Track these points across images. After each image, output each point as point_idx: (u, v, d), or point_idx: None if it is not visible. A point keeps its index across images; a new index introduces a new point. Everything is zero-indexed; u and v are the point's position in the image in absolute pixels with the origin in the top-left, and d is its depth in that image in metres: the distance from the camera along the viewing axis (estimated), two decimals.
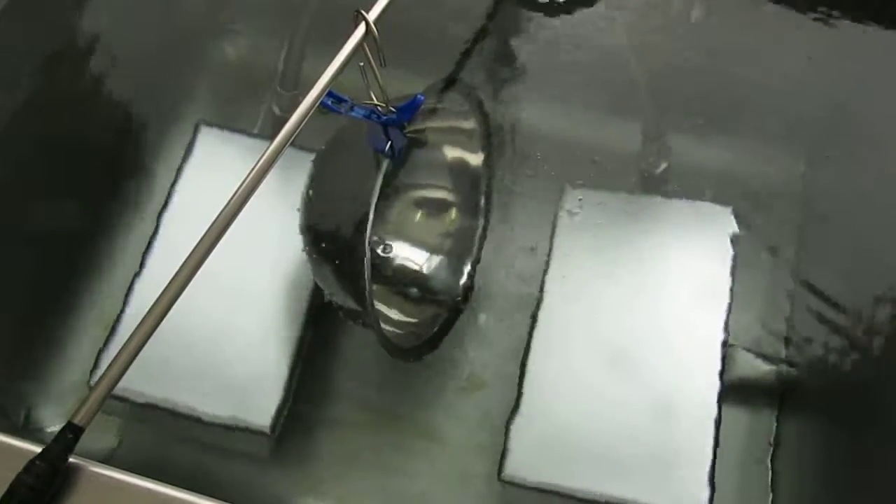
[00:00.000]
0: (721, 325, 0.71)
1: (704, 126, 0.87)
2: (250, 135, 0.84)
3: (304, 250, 0.68)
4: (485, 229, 0.80)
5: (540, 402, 0.69)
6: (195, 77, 0.94)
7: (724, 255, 0.74)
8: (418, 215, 0.80)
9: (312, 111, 0.53)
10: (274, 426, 0.70)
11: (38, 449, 0.43)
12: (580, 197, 0.78)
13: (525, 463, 0.67)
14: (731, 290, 0.73)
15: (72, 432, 0.44)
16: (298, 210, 0.68)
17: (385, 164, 0.62)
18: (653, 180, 0.84)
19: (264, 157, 0.51)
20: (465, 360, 0.79)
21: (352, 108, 0.61)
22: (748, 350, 0.77)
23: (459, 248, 0.79)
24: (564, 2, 0.87)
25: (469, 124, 0.77)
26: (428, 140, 0.77)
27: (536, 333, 0.72)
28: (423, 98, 0.61)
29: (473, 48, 0.86)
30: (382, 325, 0.67)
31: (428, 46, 0.87)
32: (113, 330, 0.72)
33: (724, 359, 0.70)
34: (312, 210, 0.68)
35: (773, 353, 0.78)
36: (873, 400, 0.67)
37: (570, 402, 0.69)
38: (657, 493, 0.66)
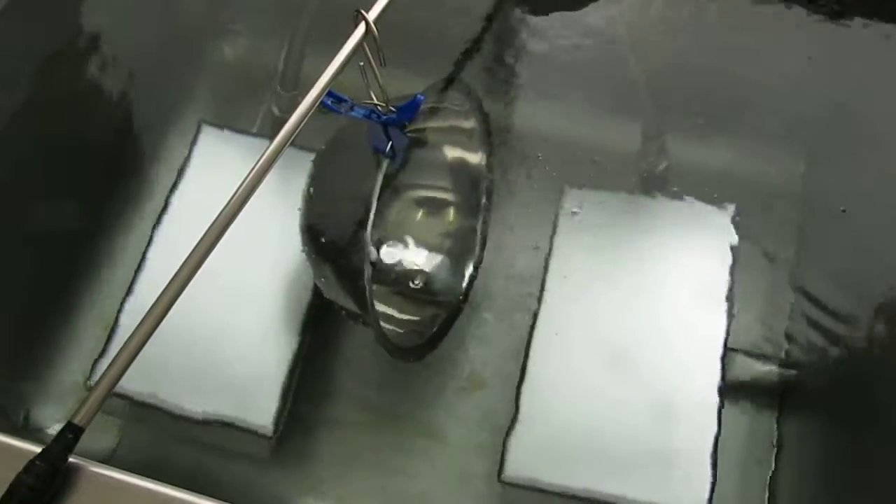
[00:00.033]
0: (721, 325, 0.71)
1: (704, 126, 0.87)
2: (251, 135, 0.84)
3: (303, 250, 0.68)
4: (485, 229, 0.80)
5: (540, 402, 0.69)
6: (195, 77, 0.94)
7: (724, 255, 0.74)
8: (418, 215, 0.80)
9: (312, 111, 0.53)
10: (274, 426, 0.70)
11: (38, 449, 0.43)
12: (580, 197, 0.78)
13: (525, 463, 0.67)
14: (731, 290, 0.73)
15: (72, 432, 0.44)
16: (298, 210, 0.68)
17: (385, 163, 0.62)
18: (653, 180, 0.84)
19: (264, 157, 0.51)
20: (465, 359, 0.79)
21: (352, 108, 0.61)
22: (748, 350, 0.77)
23: (459, 247, 0.79)
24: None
25: (469, 124, 0.77)
26: (428, 140, 0.77)
27: (536, 333, 0.72)
28: (423, 98, 0.61)
29: (473, 48, 0.86)
30: (382, 325, 0.67)
31: (428, 46, 0.87)
32: (113, 330, 0.72)
33: (724, 359, 0.70)
34: (312, 210, 0.68)
35: (773, 354, 0.78)
36: (873, 400, 0.67)
37: (570, 402, 0.69)
38: (657, 493, 0.66)
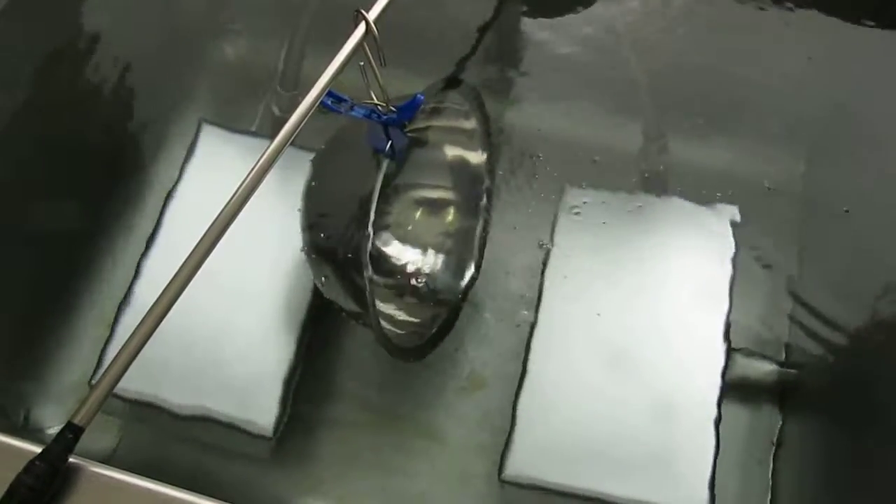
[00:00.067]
0: (721, 324, 0.71)
1: (705, 126, 0.87)
2: (251, 134, 0.84)
3: (303, 250, 0.68)
4: (485, 229, 0.80)
5: (540, 402, 0.69)
6: (195, 77, 0.94)
7: (724, 254, 0.74)
8: (418, 215, 0.80)
9: (312, 111, 0.53)
10: (274, 426, 0.70)
11: (38, 449, 0.43)
12: (580, 197, 0.78)
13: (525, 462, 0.67)
14: (732, 289, 0.73)
15: (72, 432, 0.44)
16: (298, 210, 0.68)
17: (385, 163, 0.62)
18: (653, 180, 0.84)
19: (264, 157, 0.51)
20: (465, 359, 0.79)
21: (352, 108, 0.61)
22: (748, 350, 0.77)
23: (460, 247, 0.79)
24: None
25: (469, 124, 0.77)
26: (428, 140, 0.77)
27: (537, 333, 0.72)
28: (423, 98, 0.61)
29: (473, 48, 0.86)
30: (382, 325, 0.67)
31: (428, 46, 0.87)
32: (113, 330, 0.72)
33: (724, 359, 0.70)
34: (313, 210, 0.68)
35: (774, 353, 0.78)
36: (873, 400, 0.67)
37: (570, 401, 0.69)
38: (658, 492, 0.65)
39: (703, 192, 0.79)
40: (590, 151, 0.86)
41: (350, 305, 0.67)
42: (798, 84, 0.86)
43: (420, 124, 0.74)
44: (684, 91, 0.88)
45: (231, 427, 0.70)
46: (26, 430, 0.77)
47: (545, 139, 0.87)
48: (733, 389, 0.73)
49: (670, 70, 0.87)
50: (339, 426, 0.78)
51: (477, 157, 0.79)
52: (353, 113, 0.61)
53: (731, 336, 0.71)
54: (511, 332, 0.79)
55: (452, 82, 0.71)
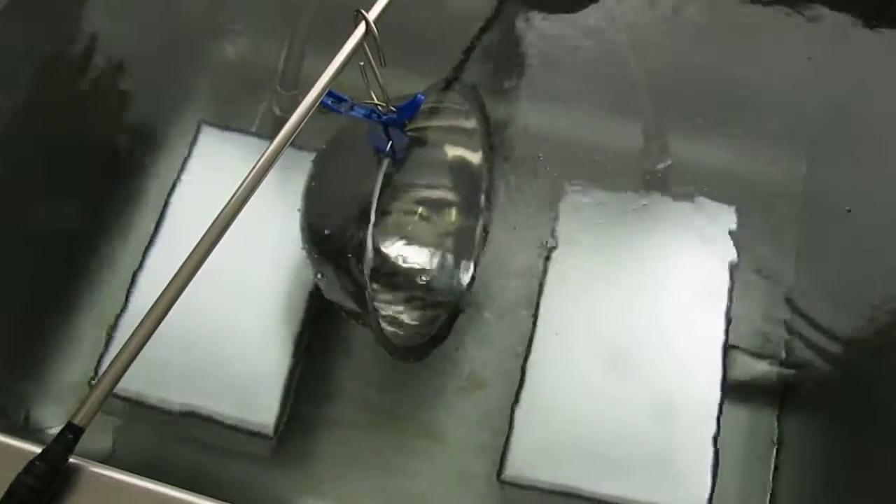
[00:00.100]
0: (721, 324, 0.71)
1: (705, 126, 0.87)
2: (251, 134, 0.84)
3: (303, 249, 0.68)
4: (485, 229, 0.80)
5: (540, 402, 0.69)
6: (195, 77, 0.94)
7: (724, 254, 0.74)
8: (419, 215, 0.80)
9: (312, 111, 0.53)
10: (275, 426, 0.70)
11: (38, 449, 0.43)
12: (580, 197, 0.78)
13: (525, 462, 0.67)
14: (732, 289, 0.73)
15: (72, 433, 0.44)
16: (298, 210, 0.68)
17: (385, 163, 0.62)
18: (653, 180, 0.84)
19: (264, 157, 0.51)
20: (465, 359, 0.79)
21: (352, 108, 0.61)
22: (748, 350, 0.77)
23: (460, 247, 0.79)
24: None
25: (469, 124, 0.77)
26: (428, 139, 0.77)
27: (537, 333, 0.72)
28: (423, 97, 0.61)
29: (473, 48, 0.86)
30: (382, 325, 0.67)
31: (428, 46, 0.87)
32: (113, 330, 0.72)
33: (724, 358, 0.70)
34: (313, 210, 0.68)
35: (774, 353, 0.78)
36: (874, 399, 0.67)
37: (570, 401, 0.69)
38: (658, 492, 0.65)
39: (704, 192, 0.79)
40: (590, 151, 0.86)
41: (350, 305, 0.67)
42: (798, 84, 0.86)
43: (420, 124, 0.74)
44: (684, 91, 0.88)
45: (231, 427, 0.70)
46: (26, 430, 0.77)
47: (545, 139, 0.87)
48: (733, 389, 0.73)
49: (670, 70, 0.87)
50: (339, 426, 0.78)
51: (477, 157, 0.79)
52: (353, 113, 0.61)
53: (731, 336, 0.71)
54: (511, 331, 0.79)
55: (452, 82, 0.71)
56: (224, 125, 0.82)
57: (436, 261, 0.79)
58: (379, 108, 0.61)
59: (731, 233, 0.75)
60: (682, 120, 0.87)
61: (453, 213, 0.80)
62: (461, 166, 0.79)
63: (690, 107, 0.87)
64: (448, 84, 0.70)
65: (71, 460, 0.44)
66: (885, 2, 0.81)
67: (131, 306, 0.73)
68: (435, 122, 0.76)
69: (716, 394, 0.68)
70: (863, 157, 0.79)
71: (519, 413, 0.69)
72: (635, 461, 0.67)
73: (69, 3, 0.81)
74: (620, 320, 0.72)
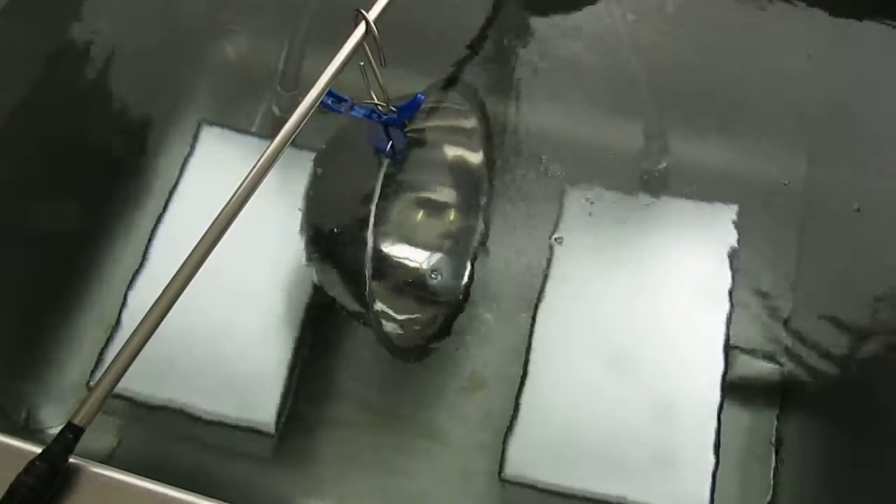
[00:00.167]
0: (722, 324, 0.71)
1: (705, 126, 0.87)
2: (251, 134, 0.84)
3: (304, 249, 0.68)
4: (485, 228, 0.80)
5: (541, 402, 0.69)
6: (195, 77, 0.94)
7: (724, 254, 0.74)
8: (419, 214, 0.80)
9: (312, 111, 0.53)
10: (275, 425, 0.70)
11: (38, 449, 0.43)
12: (581, 196, 0.78)
13: (525, 462, 0.67)
14: (732, 289, 0.73)
15: (72, 433, 0.44)
16: (299, 210, 0.68)
17: (386, 163, 0.62)
18: (653, 180, 0.84)
19: (265, 157, 0.51)
20: (466, 359, 0.79)
21: (352, 108, 0.61)
22: (749, 350, 0.77)
23: (460, 247, 0.79)
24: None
25: (469, 123, 0.77)
26: (428, 139, 0.77)
27: (537, 333, 0.72)
28: (423, 97, 0.61)
29: (473, 48, 0.86)
30: (383, 325, 0.67)
31: (428, 46, 0.87)
32: (113, 330, 0.72)
33: (724, 359, 0.70)
34: (313, 210, 0.68)
35: (774, 353, 0.78)
36: (873, 400, 0.67)
37: (571, 401, 0.69)
38: (658, 492, 0.65)
39: (704, 192, 0.79)
40: (590, 151, 0.86)
41: (350, 305, 0.67)
42: (798, 83, 0.86)
43: (420, 124, 0.74)
44: (685, 90, 0.88)
45: (231, 426, 0.70)
46: (26, 431, 0.77)
47: (545, 139, 0.87)
48: (733, 389, 0.73)
49: (671, 69, 0.87)
50: (339, 426, 0.78)
51: (477, 157, 0.79)
52: (354, 113, 0.61)
53: (732, 336, 0.71)
54: (512, 331, 0.79)
55: (452, 82, 0.71)
56: (225, 125, 0.82)
57: (436, 260, 0.79)
58: (379, 108, 0.61)
59: (731, 232, 0.75)
60: (682, 119, 0.87)
61: (453, 213, 0.80)
62: (461, 166, 0.80)
63: (690, 107, 0.87)
64: (448, 84, 0.70)
65: (71, 460, 0.44)
66: (885, 1, 0.81)
67: (131, 306, 0.73)
68: (435, 122, 0.76)
69: (716, 394, 0.68)
70: (863, 156, 0.79)
71: (519, 412, 0.69)
72: (635, 461, 0.67)
73: (69, 4, 0.81)
74: (620, 320, 0.72)
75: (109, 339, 0.72)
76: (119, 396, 0.69)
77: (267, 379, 0.71)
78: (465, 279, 0.78)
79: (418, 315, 0.76)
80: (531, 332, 0.72)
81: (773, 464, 0.75)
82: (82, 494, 0.44)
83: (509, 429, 0.68)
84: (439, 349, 0.75)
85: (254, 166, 0.51)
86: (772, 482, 0.74)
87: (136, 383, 0.70)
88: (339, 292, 0.68)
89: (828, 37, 0.84)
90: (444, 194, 0.81)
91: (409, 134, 0.64)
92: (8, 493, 0.42)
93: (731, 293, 0.73)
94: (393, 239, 0.79)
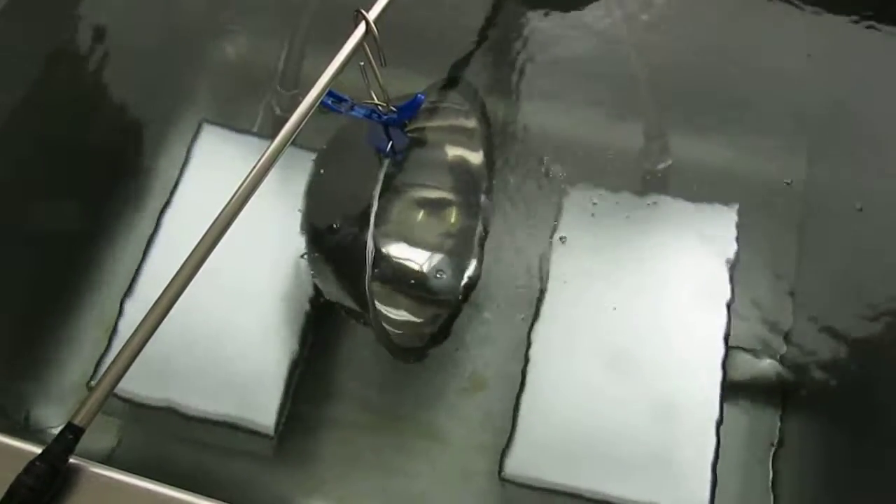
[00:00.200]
0: (722, 324, 0.71)
1: (705, 125, 0.87)
2: (251, 134, 0.84)
3: (304, 249, 0.68)
4: (486, 228, 0.80)
5: (541, 402, 0.69)
6: (195, 77, 0.94)
7: (724, 254, 0.74)
8: (419, 215, 0.80)
9: (313, 111, 0.53)
10: (275, 425, 0.70)
11: (38, 449, 0.43)
12: (581, 196, 0.78)
13: (526, 462, 0.67)
14: (732, 289, 0.73)
15: (72, 433, 0.44)
16: (299, 210, 0.68)
17: (386, 163, 0.62)
18: (654, 180, 0.84)
19: (265, 157, 0.51)
20: (466, 360, 0.79)
21: (352, 108, 0.61)
22: (749, 350, 0.77)
23: (460, 247, 0.79)
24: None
25: (470, 123, 0.77)
26: (429, 139, 0.77)
27: (538, 333, 0.72)
28: (423, 97, 0.61)
29: (474, 47, 0.86)
30: (383, 325, 0.67)
31: (428, 46, 0.87)
32: (113, 330, 0.72)
33: (725, 359, 0.70)
34: (313, 210, 0.68)
35: (775, 353, 0.78)
36: (874, 400, 0.67)
37: (571, 401, 0.69)
38: (658, 492, 0.65)
39: (704, 192, 0.79)
40: (591, 151, 0.86)
41: (350, 305, 0.67)
42: (798, 82, 0.86)
43: (420, 124, 0.74)
44: (685, 90, 0.88)
45: (231, 426, 0.70)
46: (26, 431, 0.77)
47: (546, 139, 0.87)
48: (734, 389, 0.73)
49: (671, 69, 0.87)
50: (339, 426, 0.78)
51: (477, 157, 0.79)
52: (354, 113, 0.61)
53: (732, 336, 0.71)
54: (512, 332, 0.79)
55: (452, 82, 0.71)
56: (225, 125, 0.82)
57: (436, 261, 0.79)
58: (379, 108, 0.61)
59: (731, 232, 0.75)
60: (682, 119, 0.87)
61: (453, 213, 0.80)
62: (461, 166, 0.80)
63: (691, 106, 0.87)
64: (448, 84, 0.70)
65: (71, 460, 0.44)
66: (885, 1, 0.81)
67: (131, 306, 0.73)
68: (435, 122, 0.76)
69: (716, 394, 0.68)
70: (863, 156, 0.79)
71: (520, 412, 0.69)
72: (636, 461, 0.67)
73: (69, 3, 0.81)
74: (621, 320, 0.72)
75: (111, 340, 0.72)
76: (119, 396, 0.69)
77: (267, 379, 0.71)
78: (467, 279, 0.78)
79: (418, 315, 0.76)
80: (531, 332, 0.72)
81: (774, 464, 0.75)
82: (82, 494, 0.44)
83: (510, 427, 0.68)
84: (439, 349, 0.75)
85: (254, 166, 0.51)
86: (772, 482, 0.74)
87: (136, 383, 0.70)
88: (338, 292, 0.68)
89: (828, 37, 0.84)
90: (445, 194, 0.81)
91: (409, 134, 0.64)
92: (8, 493, 0.42)
93: (731, 293, 0.73)
94: (393, 239, 0.79)
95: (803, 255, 0.82)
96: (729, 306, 0.72)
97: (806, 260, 0.81)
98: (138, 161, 0.88)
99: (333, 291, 0.68)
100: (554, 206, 0.78)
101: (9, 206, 0.75)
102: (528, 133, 0.88)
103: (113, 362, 0.46)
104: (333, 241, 0.66)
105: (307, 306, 0.74)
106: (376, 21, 0.56)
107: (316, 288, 0.73)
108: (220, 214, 0.49)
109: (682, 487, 0.66)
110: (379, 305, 0.72)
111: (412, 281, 0.78)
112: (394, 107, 0.61)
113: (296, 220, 0.68)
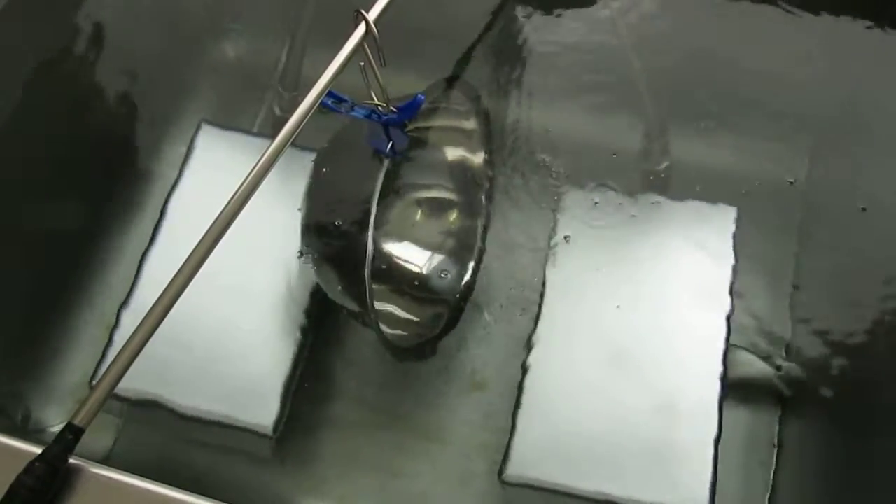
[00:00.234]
0: (722, 325, 0.71)
1: (706, 126, 0.87)
2: (251, 134, 0.84)
3: (304, 250, 0.68)
4: (485, 228, 0.80)
5: (541, 402, 0.69)
6: (196, 77, 0.94)
7: (725, 254, 0.74)
8: (419, 215, 0.80)
9: (313, 111, 0.53)
10: (275, 425, 0.70)
11: (38, 450, 0.43)
12: (582, 196, 0.78)
13: (526, 462, 0.67)
14: (732, 289, 0.73)
15: (72, 433, 0.44)
16: (299, 210, 0.68)
17: (386, 163, 0.62)
18: (654, 180, 0.84)
19: (265, 157, 0.51)
20: (466, 359, 0.79)
21: (352, 108, 0.61)
22: (749, 350, 0.77)
23: (460, 247, 0.79)
24: None
25: (470, 124, 0.77)
26: (429, 140, 0.77)
27: (538, 333, 0.72)
28: (423, 97, 0.61)
29: (474, 48, 0.86)
30: (383, 325, 0.67)
31: (428, 46, 0.87)
32: (114, 330, 0.72)
33: (725, 359, 0.70)
34: (313, 210, 0.68)
35: (774, 354, 0.78)
36: (874, 401, 0.67)
37: (571, 401, 0.69)
38: (658, 493, 0.65)
39: (705, 192, 0.79)
40: (591, 151, 0.86)
41: (351, 305, 0.67)
42: (799, 82, 0.86)
43: (420, 124, 0.74)
44: (686, 91, 0.88)
45: (232, 426, 0.70)
46: (26, 431, 0.77)
47: (546, 139, 0.87)
48: (734, 389, 0.72)
49: (672, 70, 0.87)
50: (339, 426, 0.78)
51: (477, 157, 0.79)
52: (354, 113, 0.61)
53: (732, 336, 0.71)
54: (512, 331, 0.79)
55: (452, 82, 0.71)
56: (225, 125, 0.82)
57: (436, 261, 0.79)
58: (379, 108, 0.61)
59: (732, 233, 0.75)
60: (683, 120, 0.87)
61: (453, 213, 0.80)
62: (461, 166, 0.80)
63: (692, 107, 0.87)
64: (448, 83, 0.70)
65: (71, 460, 0.44)
66: (886, 1, 0.81)
67: (131, 306, 0.73)
68: (435, 122, 0.76)
69: (716, 394, 0.68)
70: (866, 156, 0.79)
71: (520, 412, 0.69)
72: (636, 461, 0.67)
73: (69, 3, 0.81)
74: (621, 320, 0.72)
75: (110, 340, 0.72)
76: (119, 396, 0.69)
77: (267, 379, 0.71)
78: (466, 279, 0.78)
79: (418, 315, 0.76)
80: (531, 332, 0.72)
81: (774, 464, 0.75)
82: (82, 495, 0.44)
83: (510, 428, 0.68)
84: (439, 349, 0.75)
85: (254, 166, 0.51)
86: (772, 483, 0.74)
87: (136, 383, 0.70)
88: (339, 292, 0.68)
89: (828, 37, 0.84)
90: (445, 194, 0.81)
91: (409, 134, 0.64)
92: (8, 493, 0.42)
93: (732, 293, 0.72)
94: (393, 239, 0.79)
95: (804, 255, 0.82)
96: (729, 306, 0.72)
97: (807, 260, 0.81)
98: (138, 161, 0.88)
99: (334, 291, 0.68)
100: (554, 206, 0.78)
101: (9, 206, 0.75)
102: (528, 133, 0.87)
103: (113, 362, 0.46)
104: (334, 240, 0.66)
105: (308, 306, 0.74)
106: (376, 21, 0.56)
107: (317, 288, 0.73)
108: (220, 214, 0.49)
109: (681, 487, 0.66)
110: (379, 305, 0.72)
111: (412, 281, 0.78)
112: (394, 107, 0.61)
113: (296, 219, 0.68)
